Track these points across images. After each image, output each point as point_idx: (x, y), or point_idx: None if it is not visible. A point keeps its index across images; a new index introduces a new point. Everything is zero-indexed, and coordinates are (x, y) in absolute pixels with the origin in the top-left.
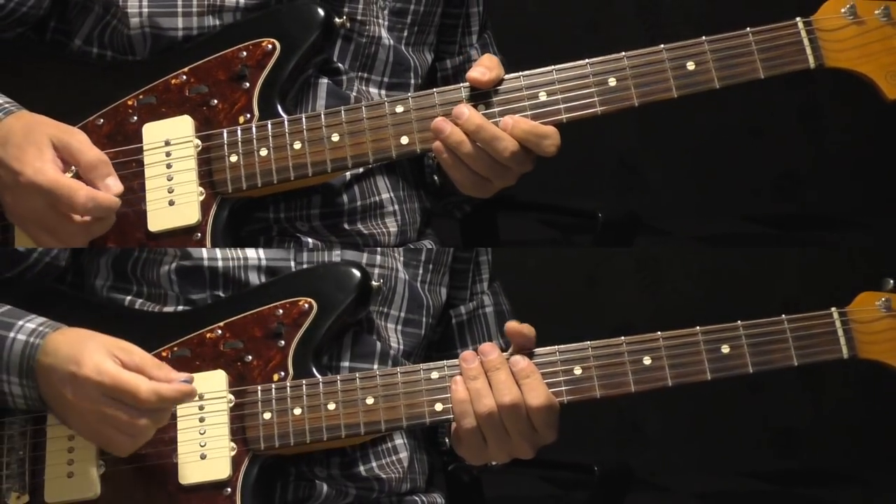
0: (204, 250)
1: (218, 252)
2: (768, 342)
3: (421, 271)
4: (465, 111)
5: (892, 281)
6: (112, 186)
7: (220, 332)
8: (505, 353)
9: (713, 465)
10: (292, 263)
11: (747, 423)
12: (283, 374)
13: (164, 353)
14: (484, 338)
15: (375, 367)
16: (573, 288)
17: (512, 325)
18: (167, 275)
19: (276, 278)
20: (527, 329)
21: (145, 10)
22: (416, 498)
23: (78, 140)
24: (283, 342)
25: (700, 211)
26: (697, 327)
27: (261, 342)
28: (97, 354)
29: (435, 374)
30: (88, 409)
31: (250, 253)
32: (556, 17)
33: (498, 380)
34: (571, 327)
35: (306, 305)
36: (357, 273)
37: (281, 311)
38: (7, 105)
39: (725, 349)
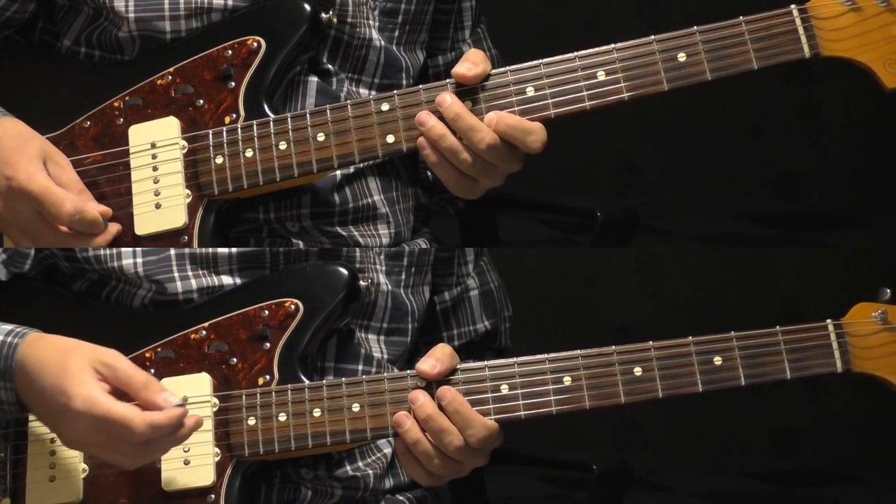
0: (178, 284)
1: (193, 283)
2: (761, 354)
3: (404, 276)
4: (448, 98)
5: (888, 291)
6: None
7: (204, 332)
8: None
9: (713, 465)
10: None
11: (747, 422)
12: (268, 377)
13: (147, 354)
14: (468, 322)
15: (360, 368)
16: (573, 288)
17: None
18: (142, 306)
19: (262, 277)
20: (438, 363)
21: (132, 13)
22: (402, 497)
23: (69, 170)
24: (268, 345)
25: (700, 211)
26: (690, 338)
27: (246, 344)
28: (84, 384)
29: (422, 383)
30: (85, 441)
31: (225, 280)
32: (555, 17)
33: (439, 428)
34: (571, 327)
35: (292, 307)
36: (345, 272)
37: (266, 312)
38: None
39: (718, 360)
